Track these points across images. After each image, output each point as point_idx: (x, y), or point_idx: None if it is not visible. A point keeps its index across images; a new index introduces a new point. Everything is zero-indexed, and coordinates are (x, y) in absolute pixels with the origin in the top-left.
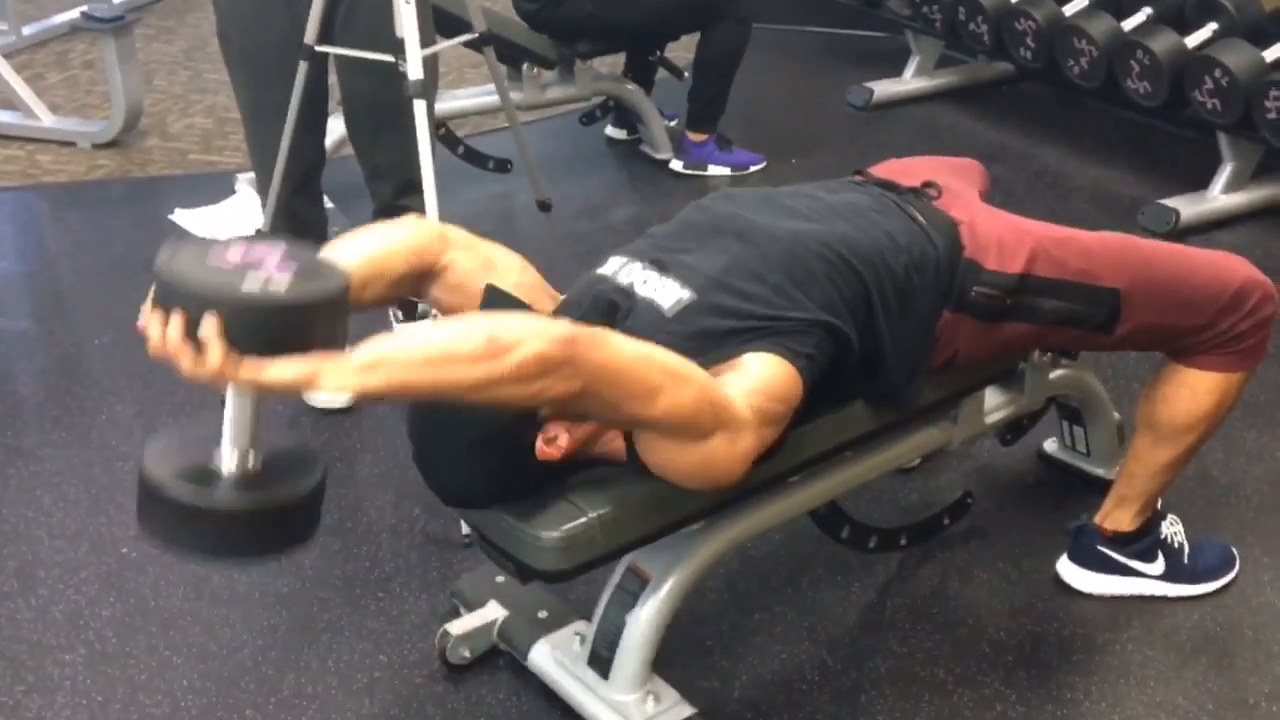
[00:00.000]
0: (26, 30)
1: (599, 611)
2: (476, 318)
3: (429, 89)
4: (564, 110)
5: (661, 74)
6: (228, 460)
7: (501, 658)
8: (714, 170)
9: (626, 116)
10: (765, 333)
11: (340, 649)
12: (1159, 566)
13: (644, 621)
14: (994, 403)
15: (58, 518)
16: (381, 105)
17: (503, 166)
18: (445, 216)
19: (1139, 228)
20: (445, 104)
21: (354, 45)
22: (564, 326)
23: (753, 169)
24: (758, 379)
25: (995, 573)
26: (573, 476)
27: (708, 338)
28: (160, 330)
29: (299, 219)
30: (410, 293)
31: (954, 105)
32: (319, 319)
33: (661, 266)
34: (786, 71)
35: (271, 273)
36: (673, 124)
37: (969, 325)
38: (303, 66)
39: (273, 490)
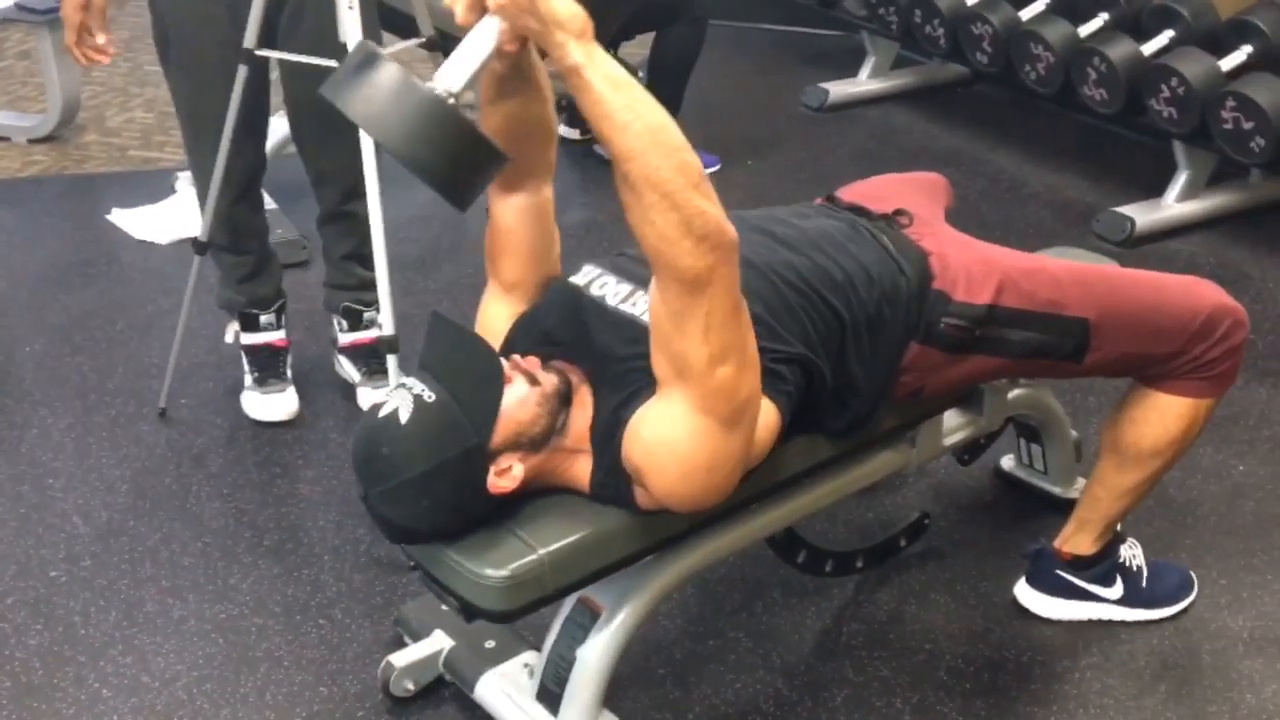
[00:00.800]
0: None
1: (548, 644)
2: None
3: None
4: None
5: None
6: (446, 81)
7: (447, 688)
8: None
9: (579, 116)
10: None
11: (279, 680)
12: (1117, 590)
13: (595, 656)
14: (953, 425)
15: None
16: (326, 110)
17: None
18: (397, 217)
19: (1093, 235)
20: None
21: (298, 49)
22: (728, 228)
23: (708, 171)
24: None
25: (953, 595)
26: (525, 507)
27: None
28: None
29: (240, 227)
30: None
31: (909, 107)
32: None
33: (638, 281)
34: (741, 70)
35: None
36: None
37: (936, 357)
38: (242, 71)
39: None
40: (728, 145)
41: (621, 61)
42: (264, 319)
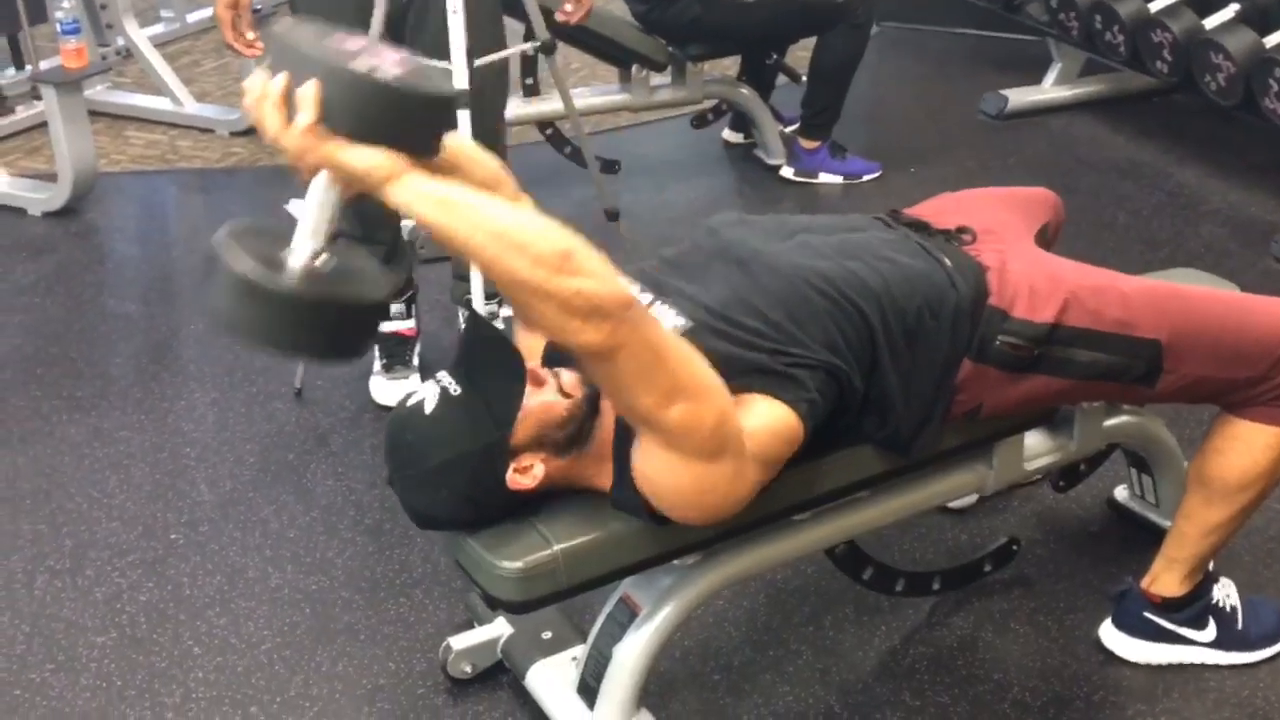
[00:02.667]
0: (191, 18)
1: (590, 639)
2: (565, 229)
3: (486, 96)
4: (678, 113)
5: (783, 77)
6: (298, 253)
7: (506, 675)
8: (825, 178)
9: (743, 120)
10: (766, 369)
11: (353, 652)
12: (1210, 633)
13: (630, 655)
14: (1038, 448)
15: (119, 500)
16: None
17: (610, 167)
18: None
19: (1271, 257)
20: (550, 104)
21: (423, 50)
22: (625, 287)
23: (867, 178)
24: (763, 421)
25: (1034, 627)
26: (550, 504)
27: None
28: (261, 87)
29: (369, 217)
30: None
31: (1094, 117)
32: (418, 115)
33: (660, 291)
34: (919, 74)
35: (384, 63)
36: (791, 129)
37: (993, 376)
38: None
39: (333, 288)
40: (893, 151)
41: (785, 68)
42: (394, 308)
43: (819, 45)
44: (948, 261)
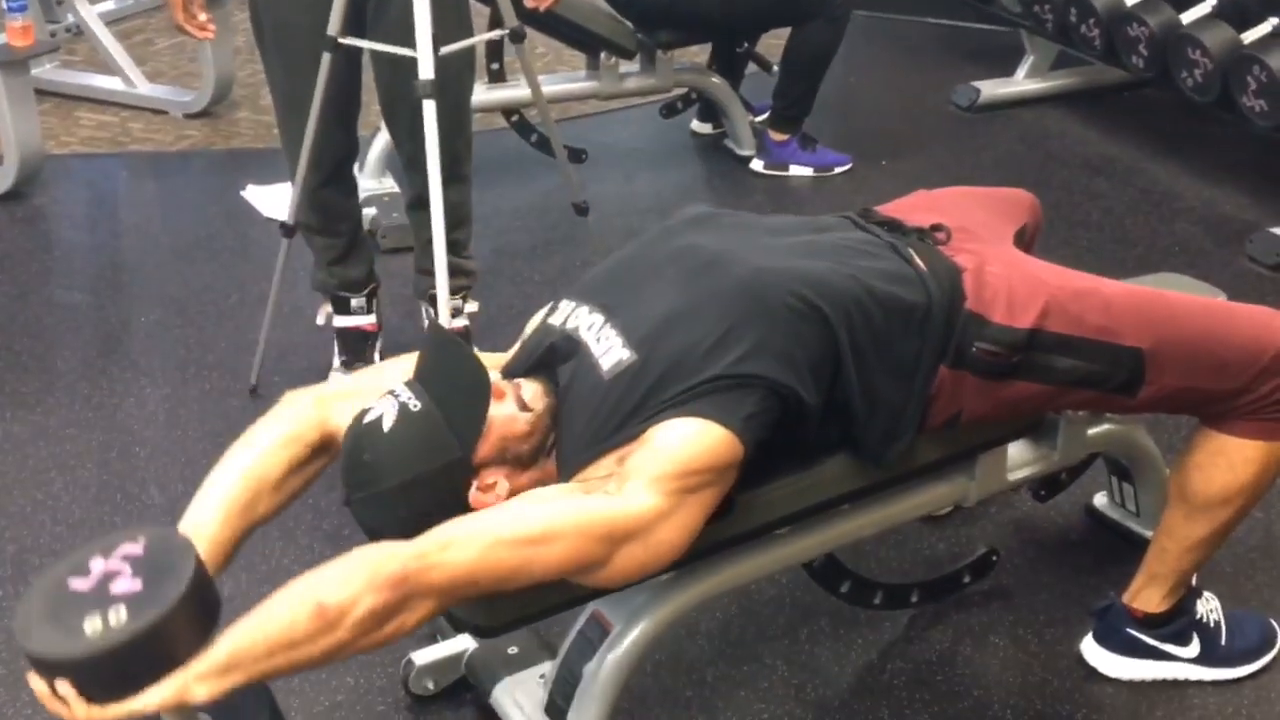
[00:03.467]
0: None
1: (559, 657)
2: (299, 586)
3: (451, 86)
4: (645, 101)
5: (753, 66)
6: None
7: (470, 691)
8: (796, 170)
9: (712, 110)
10: (703, 391)
11: None
12: (1193, 649)
13: (601, 675)
14: (1021, 458)
15: (64, 502)
16: (415, 98)
17: (577, 156)
18: (515, 207)
19: (1245, 256)
20: (516, 91)
21: (384, 38)
22: (393, 561)
23: (838, 170)
24: (670, 457)
25: (1013, 640)
26: None
27: (638, 410)
28: (40, 690)
29: (330, 209)
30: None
31: (1066, 110)
32: (168, 634)
33: (608, 311)
34: (891, 64)
35: (119, 596)
36: (761, 119)
37: (971, 383)
38: (326, 57)
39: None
40: (864, 143)
41: (756, 57)
42: (355, 302)
43: (794, 36)
44: (920, 263)
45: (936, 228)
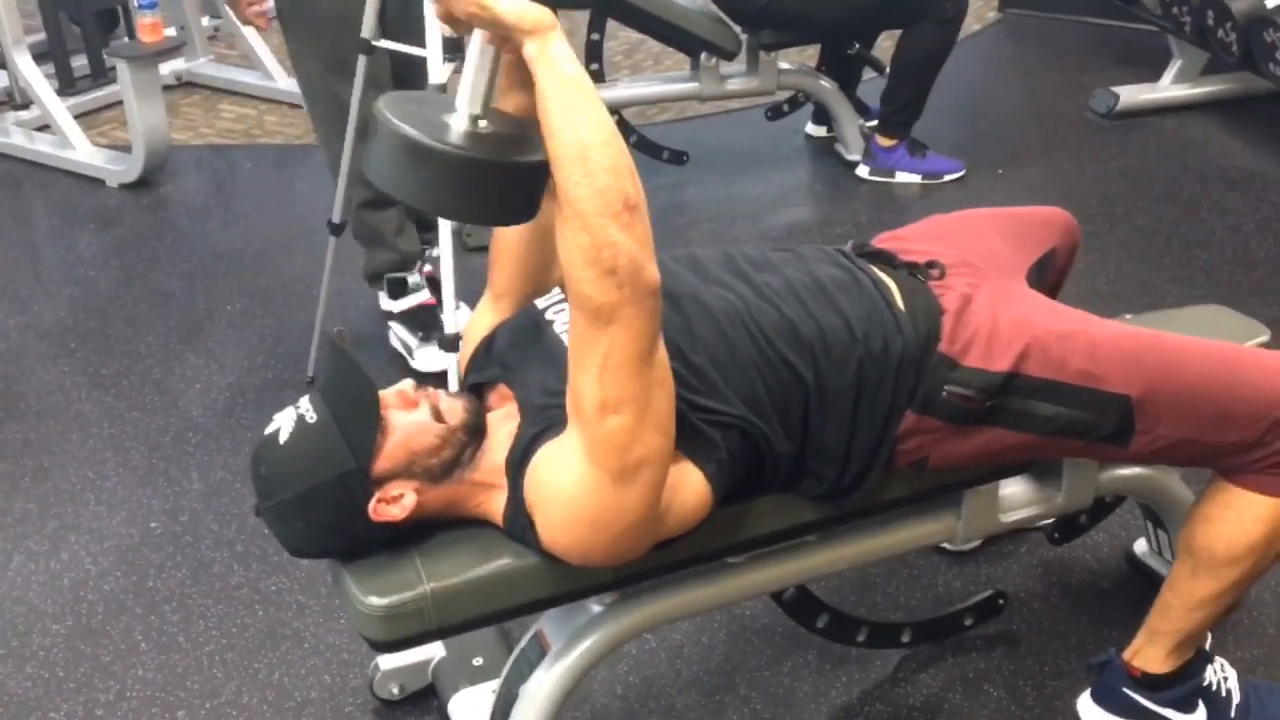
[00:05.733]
0: None
1: (502, 676)
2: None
3: None
4: (756, 104)
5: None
6: (459, 117)
7: (438, 699)
8: (902, 178)
9: (827, 113)
10: (681, 423)
11: (294, 660)
12: (1199, 718)
13: (536, 697)
14: (1018, 499)
15: (111, 483)
16: None
17: (678, 158)
18: None
19: None
20: (619, 92)
21: (408, 39)
22: (655, 270)
23: (948, 178)
24: (682, 488)
25: (1009, 692)
26: (442, 536)
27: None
28: None
29: (367, 224)
30: None
31: (1213, 119)
32: None
33: None
34: (1034, 66)
35: None
36: (871, 124)
37: (939, 429)
38: (361, 60)
39: (498, 150)
40: (985, 149)
41: (869, 59)
42: (411, 281)
43: (903, 39)
44: (900, 304)
45: (932, 264)
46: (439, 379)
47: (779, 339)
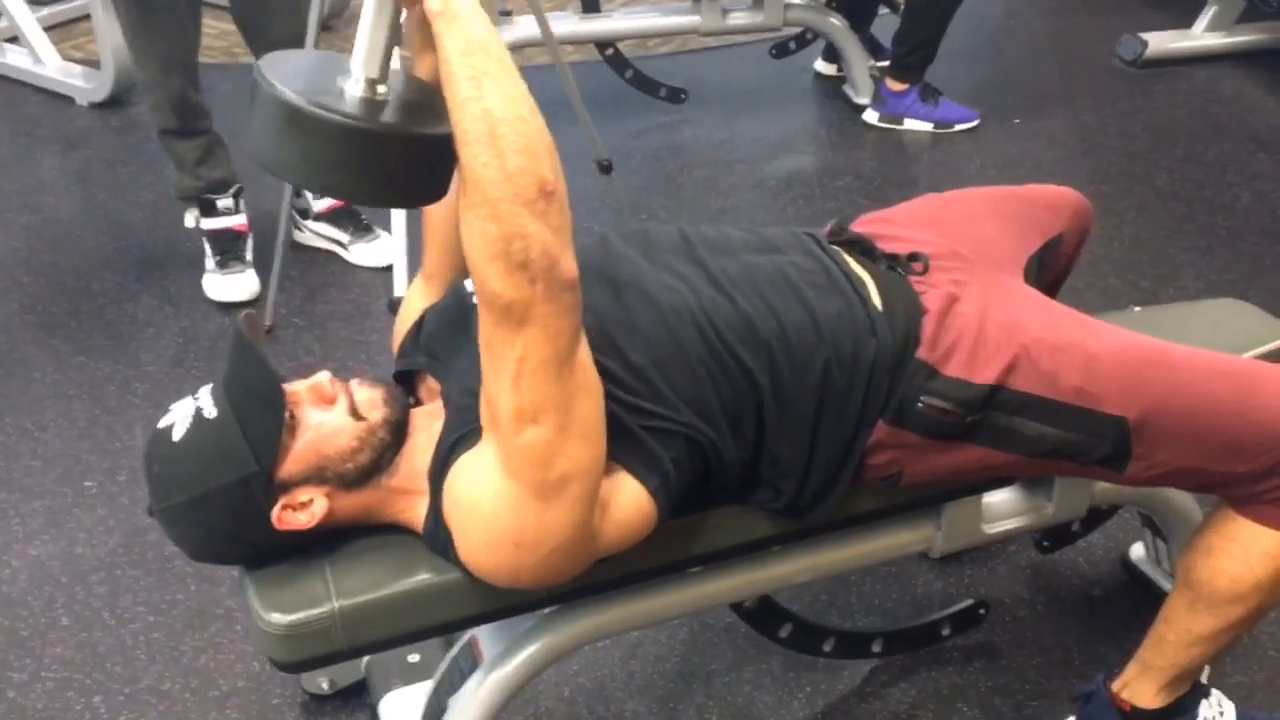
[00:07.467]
0: None
1: (433, 683)
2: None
3: None
4: (761, 39)
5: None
6: (354, 82)
7: (369, 696)
8: (911, 125)
9: (834, 49)
10: (619, 428)
11: (221, 644)
12: None
13: (465, 710)
14: (1003, 510)
15: (49, 435)
16: None
17: (675, 96)
18: (609, 145)
19: None
20: (614, 23)
21: None
22: (573, 263)
23: (960, 128)
24: (618, 502)
25: (984, 710)
26: (359, 543)
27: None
28: None
29: (189, 108)
30: None
31: (1247, 71)
32: None
33: None
34: (1059, 7)
35: None
36: (881, 64)
37: (913, 443)
38: None
39: (398, 120)
40: (1002, 96)
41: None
42: (221, 203)
43: None
44: (876, 302)
45: (914, 256)
46: (235, 307)
47: (731, 335)
